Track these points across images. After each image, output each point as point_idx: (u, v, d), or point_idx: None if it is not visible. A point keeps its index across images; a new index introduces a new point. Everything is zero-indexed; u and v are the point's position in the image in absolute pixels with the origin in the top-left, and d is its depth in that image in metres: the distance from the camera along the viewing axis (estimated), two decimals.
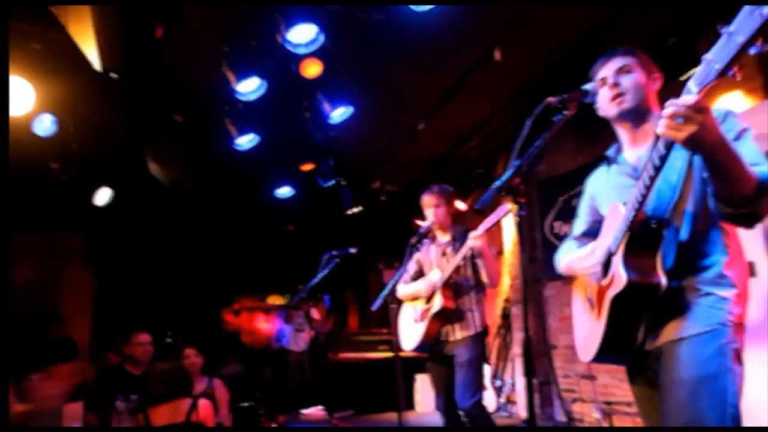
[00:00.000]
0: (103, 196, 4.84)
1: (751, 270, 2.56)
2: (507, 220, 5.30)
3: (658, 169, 1.22)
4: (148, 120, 4.18)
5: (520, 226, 1.33)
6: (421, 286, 2.85)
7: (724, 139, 1.09)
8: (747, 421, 1.19)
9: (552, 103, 1.41)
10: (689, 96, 1.05)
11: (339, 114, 3.90)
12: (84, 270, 6.27)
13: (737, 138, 1.25)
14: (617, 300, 1.29)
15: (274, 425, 2.84)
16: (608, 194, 1.53)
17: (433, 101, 4.15)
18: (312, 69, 3.49)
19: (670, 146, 1.18)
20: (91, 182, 4.77)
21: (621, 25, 3.14)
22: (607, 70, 1.46)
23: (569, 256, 1.62)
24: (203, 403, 2.48)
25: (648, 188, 1.24)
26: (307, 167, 5.08)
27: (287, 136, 4.43)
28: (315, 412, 3.24)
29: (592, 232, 1.64)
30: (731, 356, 1.23)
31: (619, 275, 1.28)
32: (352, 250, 3.25)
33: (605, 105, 1.46)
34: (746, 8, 0.91)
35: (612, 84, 1.44)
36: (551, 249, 4.99)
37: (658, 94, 1.47)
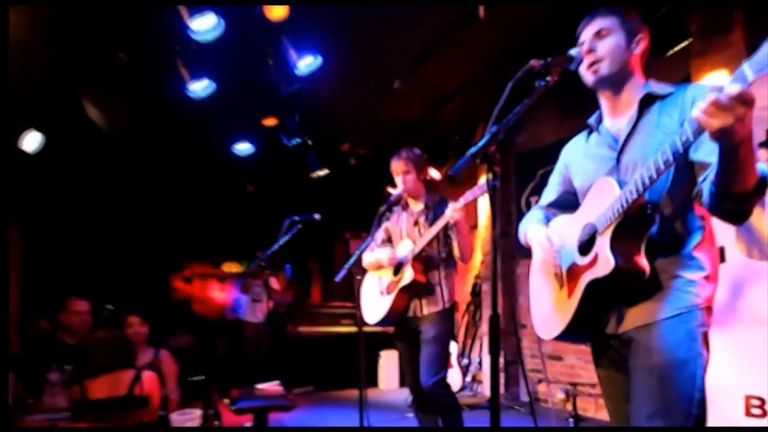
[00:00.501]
0: (32, 142, 4.58)
1: (721, 255, 2.71)
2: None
3: (677, 156, 1.18)
4: (85, 57, 3.93)
5: (493, 198, 1.35)
6: (383, 256, 2.87)
7: (751, 134, 1.08)
8: (708, 406, 1.26)
9: (535, 67, 1.40)
10: (736, 85, 1.01)
11: (306, 64, 3.80)
12: (10, 226, 5.99)
13: None
14: (596, 283, 1.33)
15: (225, 400, 2.86)
16: (584, 165, 1.53)
17: (411, 58, 4.09)
18: (277, 11, 3.36)
19: (698, 134, 1.13)
20: (18, 125, 4.49)
21: None
22: (587, 33, 1.45)
23: (533, 226, 1.64)
24: (148, 376, 2.47)
25: (660, 173, 1.21)
26: (270, 122, 4.96)
27: (247, 85, 4.29)
28: (271, 387, 3.29)
29: (561, 203, 1.67)
30: (701, 340, 1.27)
31: (605, 258, 1.30)
32: (316, 216, 3.24)
33: (582, 72, 1.46)
34: None
35: (587, 50, 1.43)
36: None
37: (643, 58, 1.46)
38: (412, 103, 4.86)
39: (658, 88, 1.41)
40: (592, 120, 1.55)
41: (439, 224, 2.62)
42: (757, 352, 2.59)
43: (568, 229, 1.51)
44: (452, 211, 2.52)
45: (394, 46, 3.93)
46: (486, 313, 5.30)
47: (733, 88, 1.01)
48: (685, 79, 1.46)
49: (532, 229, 1.64)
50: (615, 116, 1.47)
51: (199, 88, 4.07)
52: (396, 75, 4.32)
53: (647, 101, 1.40)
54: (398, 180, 2.86)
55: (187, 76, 4.00)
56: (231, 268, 8.95)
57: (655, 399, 1.23)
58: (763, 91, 2.66)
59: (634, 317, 1.34)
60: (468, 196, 2.47)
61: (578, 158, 1.58)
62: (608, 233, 1.32)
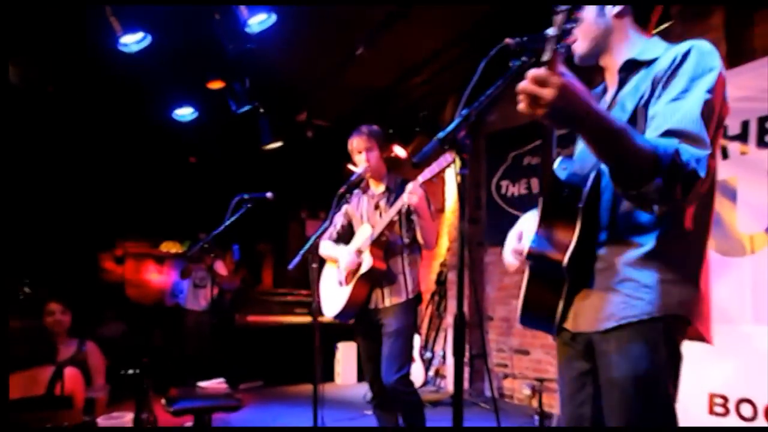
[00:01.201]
0: None
1: None
2: (452, 173, 5.46)
3: (545, 142, 1.26)
4: None
5: (462, 186, 1.37)
6: (343, 253, 2.87)
7: (590, 113, 1.08)
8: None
9: (510, 45, 1.41)
10: (542, 72, 1.07)
11: (258, 21, 3.70)
12: None
13: (678, 96, 1.20)
14: (530, 268, 1.38)
15: (161, 400, 2.83)
16: (580, 143, 1.55)
17: (378, 22, 4.04)
18: None
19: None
20: None
21: None
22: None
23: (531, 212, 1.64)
24: (70, 373, 2.41)
25: (546, 146, 1.28)
26: (216, 85, 4.82)
27: (190, 42, 4.14)
28: (214, 384, 3.26)
29: None
30: (665, 354, 1.24)
31: (526, 247, 1.37)
32: (268, 195, 3.21)
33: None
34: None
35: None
36: (496, 210, 5.30)
37: (636, 13, 1.41)
38: (377, 72, 4.83)
39: (648, 51, 1.36)
40: (597, 91, 1.52)
41: (397, 206, 2.63)
42: (723, 351, 2.78)
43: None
44: (408, 193, 2.53)
45: (359, 8, 3.87)
46: (452, 304, 5.43)
47: (534, 72, 1.08)
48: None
49: (523, 217, 1.64)
50: (611, 87, 1.46)
51: (132, 41, 3.90)
52: (360, 40, 4.27)
53: (629, 68, 1.38)
54: (359, 158, 2.86)
55: (118, 28, 3.82)
56: (170, 248, 8.73)
57: (622, 415, 1.25)
58: (740, 81, 2.81)
59: (586, 317, 1.34)
60: (426, 173, 2.48)
61: None
62: (538, 216, 1.37)
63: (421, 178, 2.52)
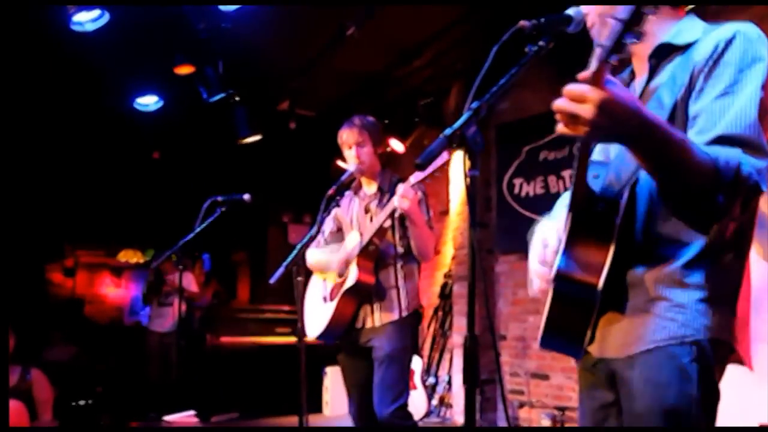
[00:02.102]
0: None
1: None
2: (457, 169, 5.48)
3: (581, 153, 1.25)
4: None
5: (472, 190, 1.38)
6: (331, 258, 2.87)
7: (647, 125, 1.08)
8: None
9: (525, 28, 1.42)
10: (577, 86, 1.06)
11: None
12: None
13: (726, 91, 1.21)
14: (557, 291, 1.37)
15: None
16: None
17: None
18: None
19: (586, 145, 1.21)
20: None
21: None
22: None
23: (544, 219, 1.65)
24: (13, 407, 2.40)
25: (583, 156, 1.25)
26: (184, 70, 4.82)
27: (154, 21, 4.14)
28: (183, 419, 3.24)
29: None
30: (697, 380, 1.23)
31: (555, 264, 1.36)
32: (246, 197, 3.22)
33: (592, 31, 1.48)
34: None
35: (584, 13, 1.46)
36: (508, 213, 5.32)
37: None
38: (371, 54, 4.85)
39: (683, 34, 1.36)
40: (623, 75, 1.53)
41: (386, 210, 2.63)
42: None
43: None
44: (399, 196, 2.50)
45: None
46: (458, 320, 5.45)
47: (570, 88, 1.07)
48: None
49: (539, 224, 1.65)
50: (639, 74, 1.47)
51: (87, 19, 3.91)
52: (350, 18, 4.28)
53: (661, 54, 1.38)
54: (350, 154, 2.87)
55: (71, 5, 3.83)
56: (129, 257, 8.69)
57: None
58: None
59: (613, 342, 1.36)
60: (417, 175, 2.47)
61: None
62: (566, 234, 1.36)
63: (413, 179, 2.51)
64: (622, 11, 1.07)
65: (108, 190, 6.70)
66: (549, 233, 1.54)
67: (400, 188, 2.52)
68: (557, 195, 1.78)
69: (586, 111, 1.05)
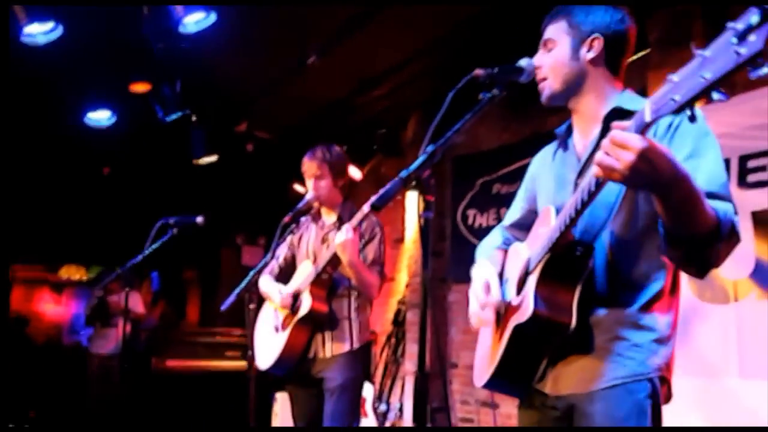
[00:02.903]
0: None
1: None
2: (412, 197, 5.54)
3: (589, 200, 1.33)
4: None
5: (425, 233, 1.43)
6: (275, 292, 2.84)
7: (678, 176, 1.16)
8: None
9: (479, 77, 1.51)
10: (624, 134, 1.13)
11: (195, 21, 3.71)
12: None
13: (693, 155, 1.33)
14: (520, 329, 1.46)
15: None
16: (547, 184, 1.66)
17: (334, 29, 4.12)
18: None
19: (601, 184, 1.28)
20: None
21: None
22: (541, 43, 1.59)
23: (480, 262, 1.74)
24: None
25: (579, 212, 1.35)
26: (140, 88, 4.75)
27: (111, 36, 4.09)
28: None
29: (524, 224, 1.77)
30: (650, 413, 1.38)
31: (527, 303, 1.43)
32: (198, 220, 3.18)
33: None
34: (726, 35, 0.92)
35: (535, 66, 1.57)
36: (462, 243, 5.41)
37: (611, 61, 1.53)
38: (331, 82, 4.89)
39: (632, 101, 1.47)
40: (561, 130, 1.65)
41: (332, 249, 2.64)
42: (707, 407, 2.91)
43: (514, 260, 1.64)
44: (338, 245, 2.52)
45: (311, 12, 3.94)
46: (410, 347, 5.47)
47: (619, 136, 1.13)
48: (641, 92, 1.60)
49: (478, 265, 1.72)
50: (582, 133, 1.59)
51: (39, 31, 3.82)
52: (312, 46, 4.33)
53: (614, 117, 1.44)
54: (309, 184, 2.88)
55: (22, 17, 3.74)
56: (71, 273, 8.38)
57: None
58: (719, 117, 3.03)
59: (571, 379, 1.46)
60: (358, 216, 2.52)
61: (544, 174, 1.70)
62: (537, 272, 1.45)
63: (355, 220, 2.54)
64: (716, 71, 0.95)
65: (53, 205, 6.49)
66: (489, 275, 1.63)
67: (341, 234, 2.53)
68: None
69: (628, 156, 1.11)
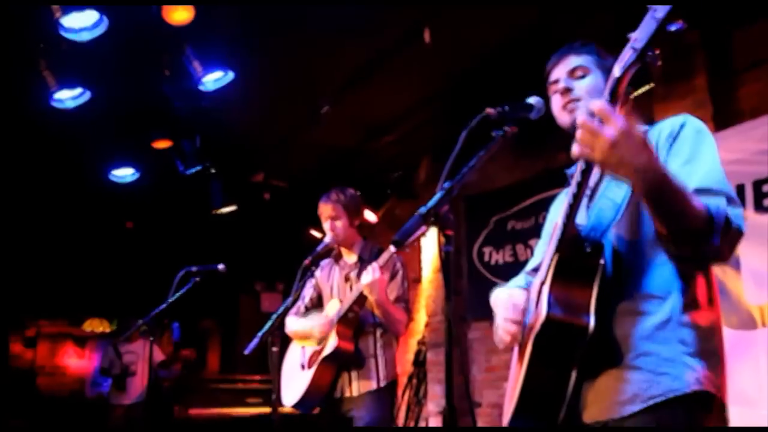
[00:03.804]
0: None
1: None
2: (429, 238, 5.56)
3: (579, 190, 1.33)
4: None
5: (447, 266, 1.44)
6: (313, 324, 2.88)
7: (648, 162, 1.15)
8: None
9: (491, 115, 1.54)
10: (606, 107, 1.15)
11: (214, 79, 3.84)
12: None
13: (689, 159, 1.34)
14: (538, 342, 1.32)
15: None
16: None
17: (345, 79, 4.24)
18: (180, 14, 3.41)
19: (586, 171, 1.29)
20: None
21: (574, 19, 3.48)
22: (560, 71, 1.59)
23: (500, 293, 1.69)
24: None
25: (576, 199, 1.32)
26: (162, 144, 4.89)
27: (135, 98, 4.24)
28: None
29: None
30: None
31: (541, 308, 1.33)
32: (220, 267, 3.21)
33: (557, 113, 1.60)
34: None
35: (563, 89, 1.56)
36: (479, 280, 5.39)
37: (627, 98, 1.53)
38: (344, 130, 5.00)
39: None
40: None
41: (359, 287, 2.66)
42: None
43: (534, 291, 1.58)
44: (364, 284, 2.54)
45: (323, 64, 4.07)
46: (432, 388, 5.39)
47: (597, 105, 1.15)
48: (649, 125, 1.64)
49: (500, 289, 1.69)
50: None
51: (69, 96, 3.98)
52: (325, 97, 4.45)
53: None
54: (326, 226, 2.92)
55: (52, 82, 3.90)
56: (95, 326, 8.38)
57: None
58: (729, 144, 3.06)
59: (599, 403, 1.35)
60: (380, 260, 2.54)
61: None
62: (548, 279, 1.36)
63: (381, 260, 2.57)
64: (642, 37, 1.17)
65: (78, 260, 6.58)
66: (516, 295, 1.59)
67: (365, 275, 2.56)
68: (525, 263, 1.87)
69: (609, 132, 1.12)
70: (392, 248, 2.52)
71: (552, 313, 1.29)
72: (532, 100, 1.62)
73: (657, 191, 1.19)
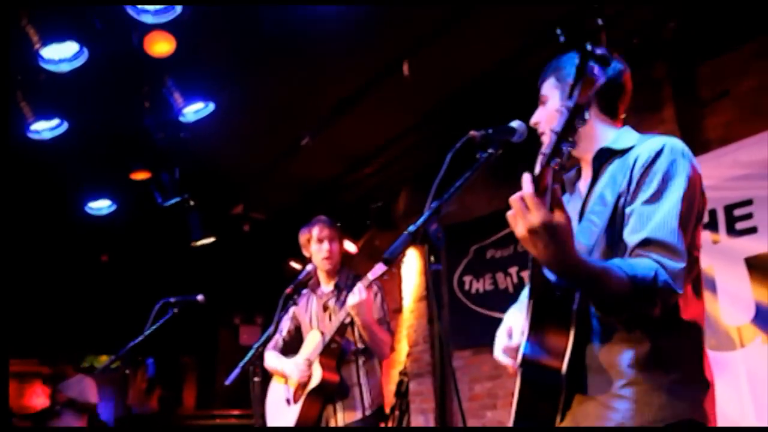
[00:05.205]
0: None
1: None
2: (409, 267, 5.54)
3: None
4: None
5: (437, 285, 1.42)
6: (292, 369, 2.80)
7: (567, 260, 1.19)
8: None
9: (475, 138, 1.55)
10: (534, 199, 1.20)
11: (194, 110, 3.82)
12: None
13: (653, 199, 1.33)
14: (521, 377, 1.40)
15: None
16: None
17: (325, 112, 4.27)
18: (161, 46, 3.40)
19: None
20: None
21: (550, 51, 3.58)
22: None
23: (513, 307, 1.71)
24: None
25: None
26: (140, 176, 4.82)
27: (114, 129, 4.20)
28: None
29: None
30: None
31: (520, 350, 1.41)
32: (199, 297, 3.15)
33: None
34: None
35: (532, 122, 1.62)
36: (460, 309, 5.35)
37: (600, 106, 1.56)
38: (323, 162, 5.01)
39: (621, 140, 1.50)
40: (569, 175, 1.65)
41: (343, 314, 2.64)
42: None
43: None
44: (350, 306, 2.52)
45: (303, 97, 4.09)
46: (416, 419, 5.29)
47: (526, 195, 1.21)
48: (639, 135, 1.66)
49: (508, 312, 1.69)
50: (585, 175, 1.60)
51: (45, 128, 3.92)
52: (305, 129, 4.46)
53: (602, 157, 1.51)
54: (320, 248, 2.87)
55: (29, 113, 3.84)
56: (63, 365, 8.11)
57: None
58: (707, 171, 3.12)
59: (588, 426, 1.36)
60: (369, 276, 2.52)
61: None
62: (529, 317, 1.42)
63: (371, 275, 2.54)
64: (557, 124, 1.21)
65: (47, 295, 6.38)
66: (514, 322, 1.59)
67: (352, 296, 2.53)
68: (506, 291, 1.88)
69: (531, 220, 1.17)
70: (382, 265, 2.49)
71: (526, 355, 1.37)
72: (515, 123, 1.64)
73: (571, 278, 1.25)
